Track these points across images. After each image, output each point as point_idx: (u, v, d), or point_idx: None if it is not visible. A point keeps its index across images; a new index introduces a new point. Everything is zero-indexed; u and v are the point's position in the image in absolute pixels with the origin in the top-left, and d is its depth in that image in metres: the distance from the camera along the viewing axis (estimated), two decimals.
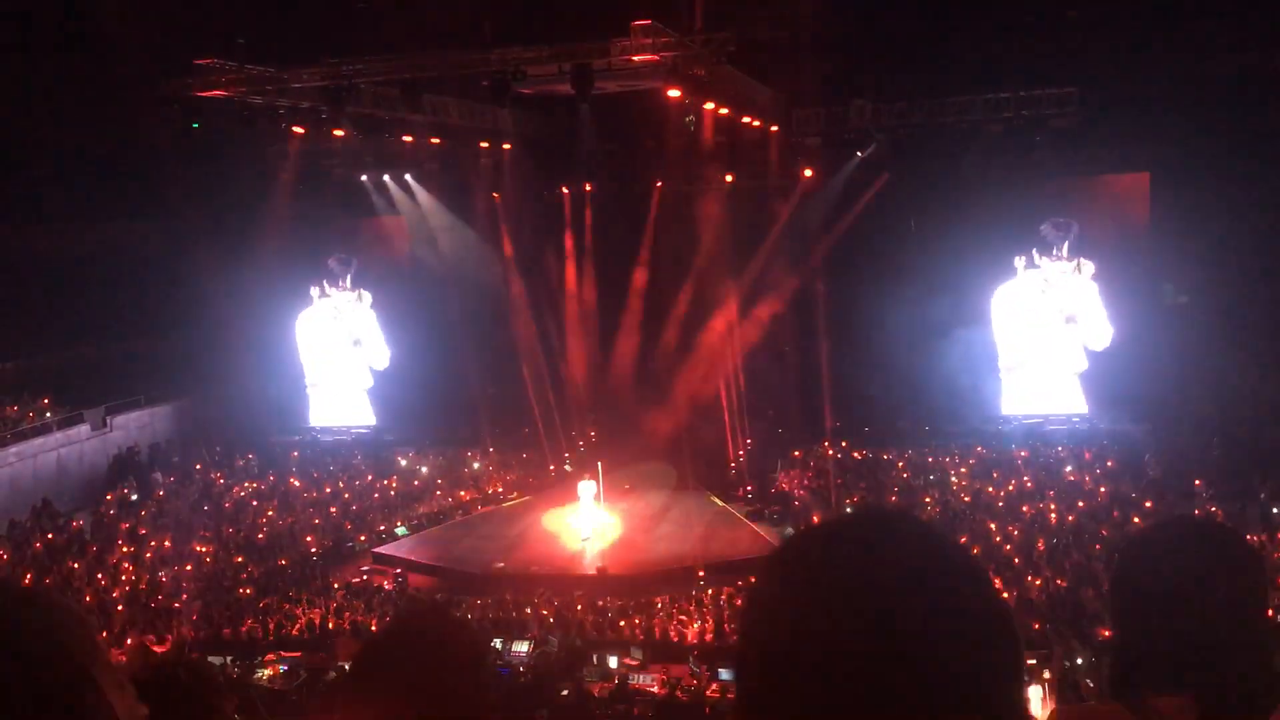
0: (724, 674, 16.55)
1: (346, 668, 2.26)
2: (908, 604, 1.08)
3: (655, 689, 16.81)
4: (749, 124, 26.26)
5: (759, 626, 1.16)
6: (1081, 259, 28.35)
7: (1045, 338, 28.80)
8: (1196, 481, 22.88)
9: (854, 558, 1.14)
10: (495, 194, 31.23)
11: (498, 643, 17.90)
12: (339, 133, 25.04)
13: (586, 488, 25.10)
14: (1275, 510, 21.14)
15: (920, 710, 1.05)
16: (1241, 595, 2.00)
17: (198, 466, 29.12)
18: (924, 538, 1.17)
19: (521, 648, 18.06)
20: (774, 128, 27.43)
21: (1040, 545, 20.87)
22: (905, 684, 1.05)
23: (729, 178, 29.41)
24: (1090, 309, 28.27)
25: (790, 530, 23.23)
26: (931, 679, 1.06)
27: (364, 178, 31.16)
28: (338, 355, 32.86)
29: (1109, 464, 25.62)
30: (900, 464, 27.16)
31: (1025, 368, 29.07)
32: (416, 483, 28.94)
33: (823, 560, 1.15)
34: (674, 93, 20.74)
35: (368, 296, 32.74)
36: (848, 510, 20.74)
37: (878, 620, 1.07)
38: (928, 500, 24.23)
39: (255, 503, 27.01)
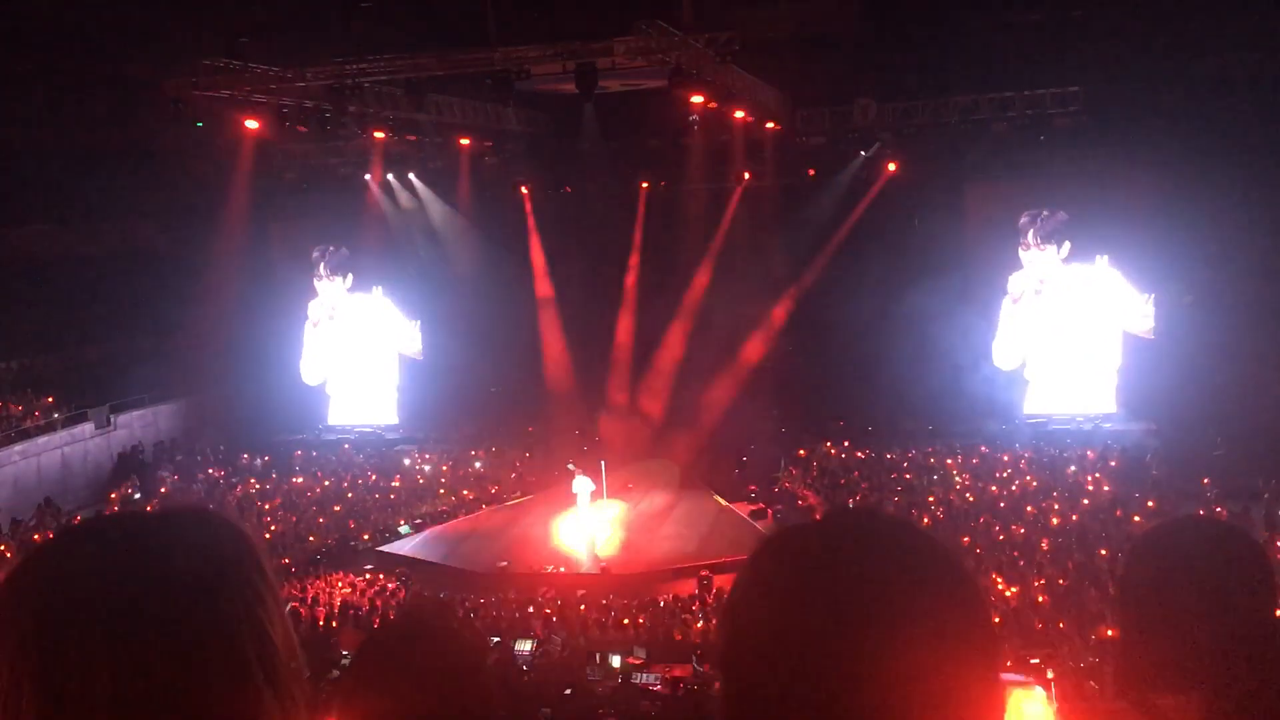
0: None
1: (347, 664, 2.24)
2: (885, 602, 1.09)
3: (659, 688, 16.81)
4: (753, 123, 26.25)
5: (740, 626, 1.16)
6: (1057, 244, 28.38)
7: (1054, 339, 28.82)
8: (1204, 480, 22.83)
9: (831, 556, 1.15)
10: (499, 193, 31.25)
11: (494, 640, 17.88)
12: (342, 132, 25.06)
13: (583, 484, 25.12)
14: None
15: (903, 699, 1.06)
16: (1249, 595, 1.99)
17: (203, 472, 29.16)
18: (902, 535, 1.18)
19: (524, 646, 18.05)
20: (778, 127, 27.42)
21: (1044, 545, 20.85)
22: (885, 681, 1.06)
23: (733, 177, 29.39)
24: (1104, 303, 28.26)
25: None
26: (903, 673, 1.07)
27: (367, 176, 31.19)
28: (349, 355, 32.93)
29: (1112, 464, 25.59)
30: (904, 464, 27.14)
31: (1037, 369, 29.08)
32: (420, 481, 28.97)
33: (799, 561, 1.16)
34: (678, 92, 20.73)
35: (350, 279, 32.73)
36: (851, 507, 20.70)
37: (855, 619, 1.08)
38: (931, 500, 24.22)
39: (259, 502, 27.03)
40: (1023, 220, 28.56)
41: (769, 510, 25.59)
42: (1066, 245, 28.45)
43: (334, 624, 19.69)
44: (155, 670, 1.11)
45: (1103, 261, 28.29)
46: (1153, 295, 27.73)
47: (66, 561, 1.18)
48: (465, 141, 28.26)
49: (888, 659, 1.06)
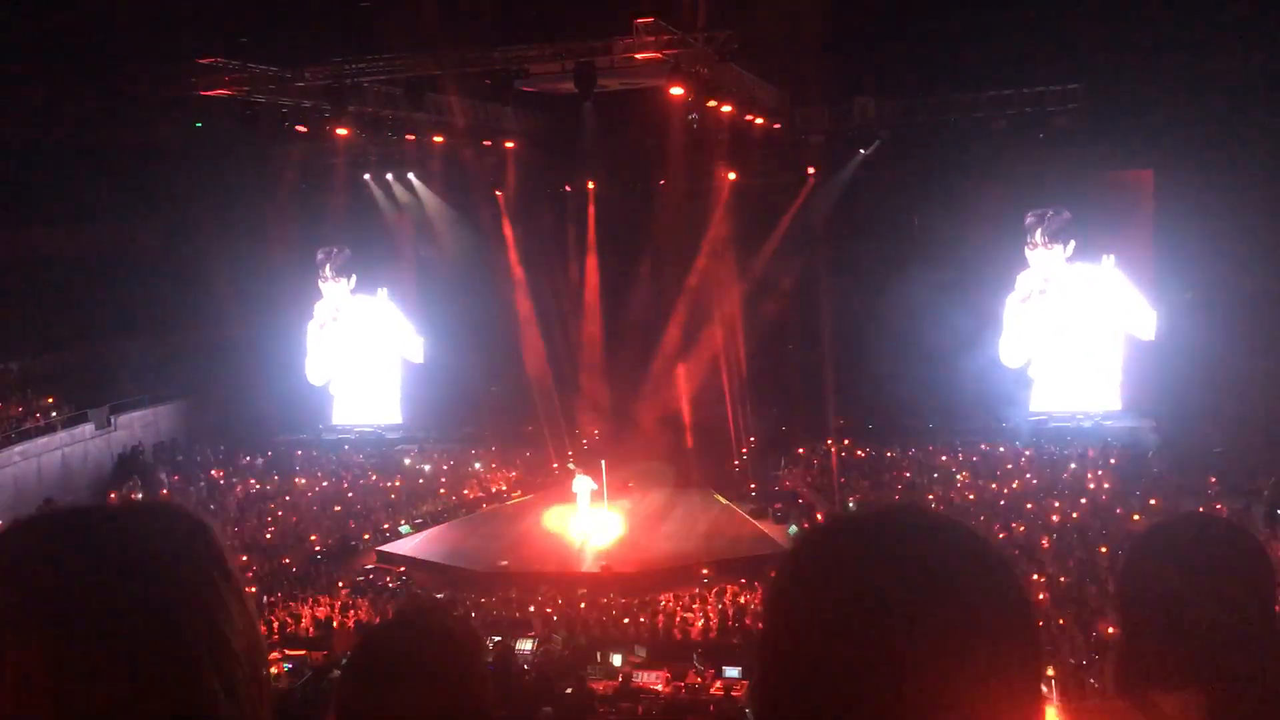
0: (728, 671, 16.55)
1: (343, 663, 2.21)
2: (934, 596, 1.08)
3: (659, 687, 16.80)
4: (752, 122, 26.22)
5: (783, 618, 1.15)
6: (1063, 243, 28.38)
7: (1059, 337, 28.82)
8: (1211, 479, 22.75)
9: (878, 550, 1.14)
10: (498, 192, 31.24)
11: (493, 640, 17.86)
12: (342, 131, 25.05)
13: (583, 484, 25.14)
14: None
15: (942, 701, 1.05)
16: (1250, 592, 1.99)
17: (204, 473, 29.15)
18: (949, 530, 1.17)
19: (525, 645, 18.06)
20: (777, 125, 27.40)
21: (1044, 542, 20.85)
22: (931, 676, 1.05)
23: (732, 176, 29.38)
24: (1109, 303, 28.25)
25: (794, 528, 23.24)
26: (954, 670, 1.06)
27: (367, 176, 31.17)
28: (352, 355, 32.94)
29: (1112, 461, 25.58)
30: (904, 462, 27.13)
31: (1042, 368, 29.06)
32: (421, 481, 28.96)
33: (846, 553, 1.15)
34: (677, 90, 20.71)
35: (354, 280, 32.74)
36: (851, 505, 20.76)
37: (903, 613, 1.07)
38: (931, 498, 24.21)
39: (260, 501, 27.04)
40: (1029, 220, 28.54)
41: (769, 509, 25.60)
42: (1071, 244, 28.43)
43: (334, 624, 19.70)
44: (95, 670, 1.06)
45: (1109, 261, 28.25)
46: (1157, 312, 27.66)
47: (4, 554, 1.13)
48: (464, 141, 28.23)
49: (930, 655, 1.05)
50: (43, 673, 1.06)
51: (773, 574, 1.21)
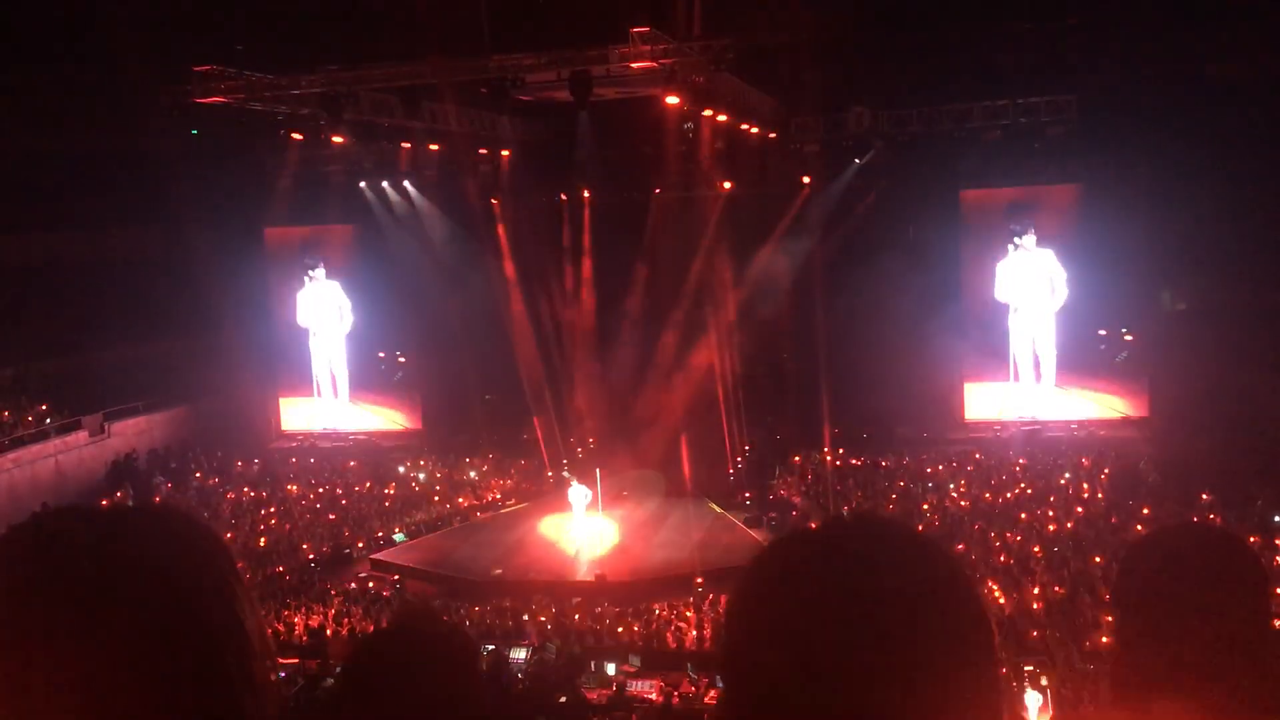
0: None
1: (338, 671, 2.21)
2: (889, 608, 1.08)
3: (653, 696, 16.77)
4: (748, 131, 26.28)
5: (742, 632, 1.16)
6: (1049, 248, 28.47)
7: (1045, 344, 28.87)
8: (1204, 495, 22.72)
9: (835, 563, 1.14)
10: (494, 200, 31.25)
11: (488, 648, 17.83)
12: (338, 139, 25.05)
13: (578, 494, 25.11)
14: (1275, 518, 21.10)
15: (899, 710, 1.06)
16: (1244, 601, 1.99)
17: (197, 475, 29.09)
18: (906, 542, 1.17)
19: (519, 654, 18.02)
20: (773, 134, 27.46)
21: (1038, 552, 20.84)
22: (887, 688, 1.06)
23: (727, 185, 29.43)
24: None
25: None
26: (911, 683, 1.06)
27: (362, 184, 31.15)
28: (342, 361, 32.87)
29: (1105, 471, 25.58)
30: (899, 471, 27.11)
31: (1029, 374, 29.08)
32: (415, 488, 28.90)
33: (804, 565, 1.15)
34: (673, 100, 20.76)
35: (340, 285, 32.68)
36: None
37: (859, 625, 1.07)
38: (925, 507, 24.21)
39: (254, 509, 26.96)
40: (1013, 226, 28.58)
41: (763, 518, 25.57)
42: (1050, 253, 28.45)
43: (328, 632, 19.63)
44: (124, 653, 1.08)
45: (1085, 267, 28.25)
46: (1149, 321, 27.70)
47: (41, 538, 1.14)
48: (460, 149, 28.22)
49: (886, 667, 1.06)
50: (74, 679, 1.06)
51: (734, 585, 1.21)
